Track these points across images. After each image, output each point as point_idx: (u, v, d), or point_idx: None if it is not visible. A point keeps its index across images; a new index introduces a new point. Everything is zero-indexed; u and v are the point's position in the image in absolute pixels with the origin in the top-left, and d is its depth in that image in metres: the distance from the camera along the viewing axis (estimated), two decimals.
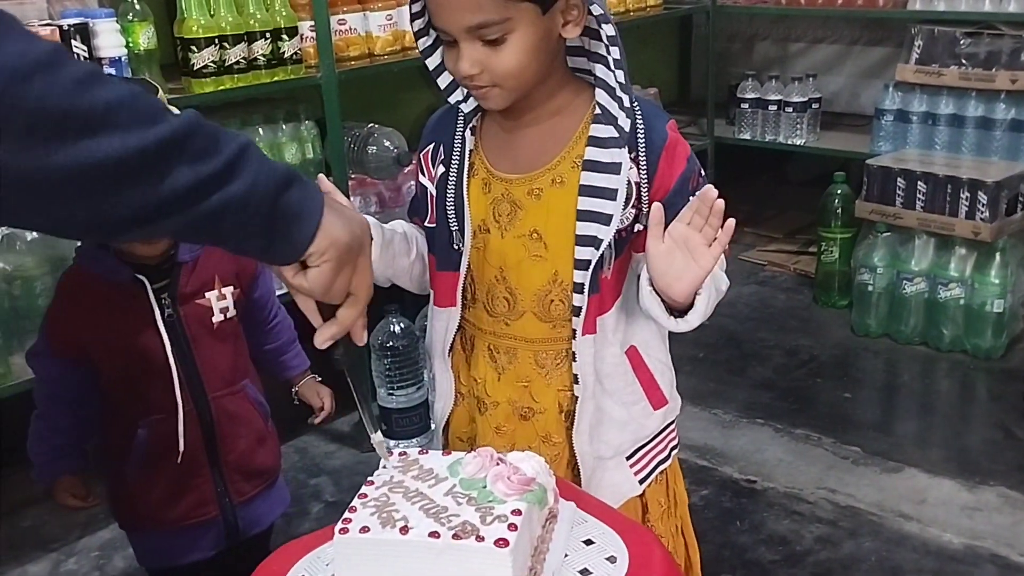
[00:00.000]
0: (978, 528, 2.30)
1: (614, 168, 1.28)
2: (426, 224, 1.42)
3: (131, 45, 2.15)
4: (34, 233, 2.13)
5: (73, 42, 2.03)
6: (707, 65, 3.95)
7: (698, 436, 2.74)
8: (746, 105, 3.84)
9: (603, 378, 1.37)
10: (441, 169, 1.38)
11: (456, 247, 1.37)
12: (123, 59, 2.12)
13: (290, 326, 1.80)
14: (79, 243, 1.57)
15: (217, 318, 1.58)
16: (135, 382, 1.56)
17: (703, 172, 1.37)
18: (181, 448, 1.57)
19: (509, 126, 1.35)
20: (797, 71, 3.89)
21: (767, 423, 2.81)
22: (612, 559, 1.07)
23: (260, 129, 2.51)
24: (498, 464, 1.14)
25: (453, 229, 1.36)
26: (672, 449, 1.50)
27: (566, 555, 1.09)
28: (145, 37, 2.17)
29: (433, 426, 1.59)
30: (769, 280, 3.85)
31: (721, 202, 1.20)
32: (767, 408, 2.89)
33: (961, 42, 3.30)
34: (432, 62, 1.35)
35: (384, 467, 1.17)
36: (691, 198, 1.29)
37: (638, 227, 1.32)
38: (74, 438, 1.62)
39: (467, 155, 1.36)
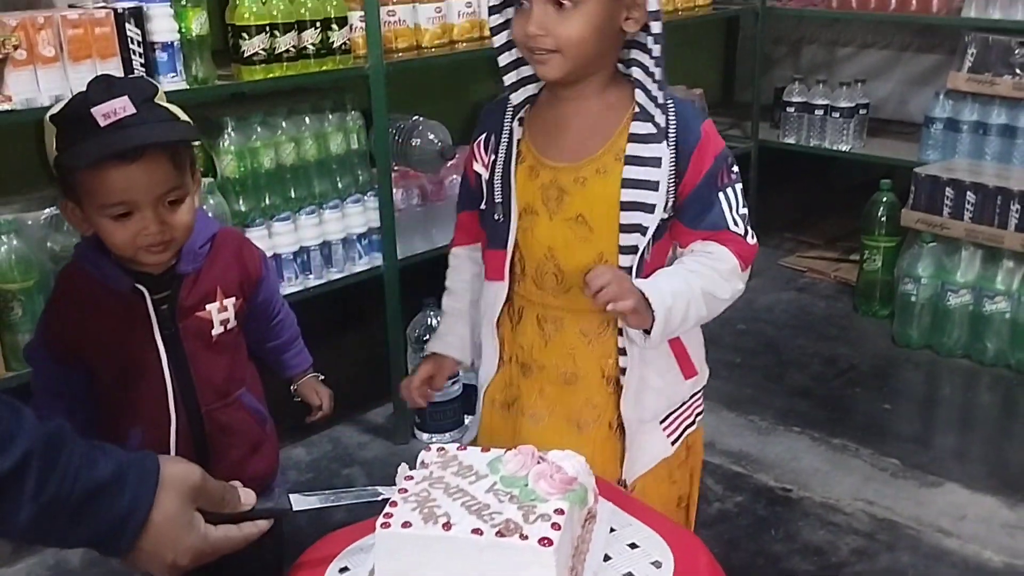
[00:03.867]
0: (1019, 547, 2.26)
1: (655, 162, 1.41)
2: (481, 207, 1.55)
3: (184, 30, 2.15)
4: None
5: (127, 26, 2.04)
6: (753, 67, 3.91)
7: (734, 442, 2.72)
8: (792, 109, 3.79)
9: (643, 349, 1.47)
10: (492, 156, 1.51)
11: (500, 223, 1.50)
12: (176, 44, 2.12)
13: (293, 323, 1.76)
14: (78, 240, 1.52)
15: (217, 331, 1.52)
16: (127, 391, 1.51)
17: (735, 169, 1.49)
18: None
19: (559, 116, 1.47)
20: (845, 76, 3.84)
21: (804, 431, 2.78)
22: (657, 564, 1.06)
23: (307, 118, 2.51)
24: (539, 463, 1.14)
25: (499, 208, 1.50)
26: (698, 415, 1.63)
27: (610, 557, 1.08)
28: (198, 23, 2.17)
29: (467, 422, 1.66)
30: (809, 287, 3.81)
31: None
32: (804, 416, 2.86)
33: (1016, 51, 3.24)
34: (498, 40, 1.47)
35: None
36: (719, 194, 1.45)
37: (665, 215, 1.46)
38: None
39: (515, 143, 1.49)
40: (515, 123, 1.49)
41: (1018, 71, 3.23)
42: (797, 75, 3.86)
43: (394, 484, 1.13)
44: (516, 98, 1.49)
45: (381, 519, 1.06)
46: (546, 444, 1.49)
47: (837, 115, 3.67)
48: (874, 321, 3.46)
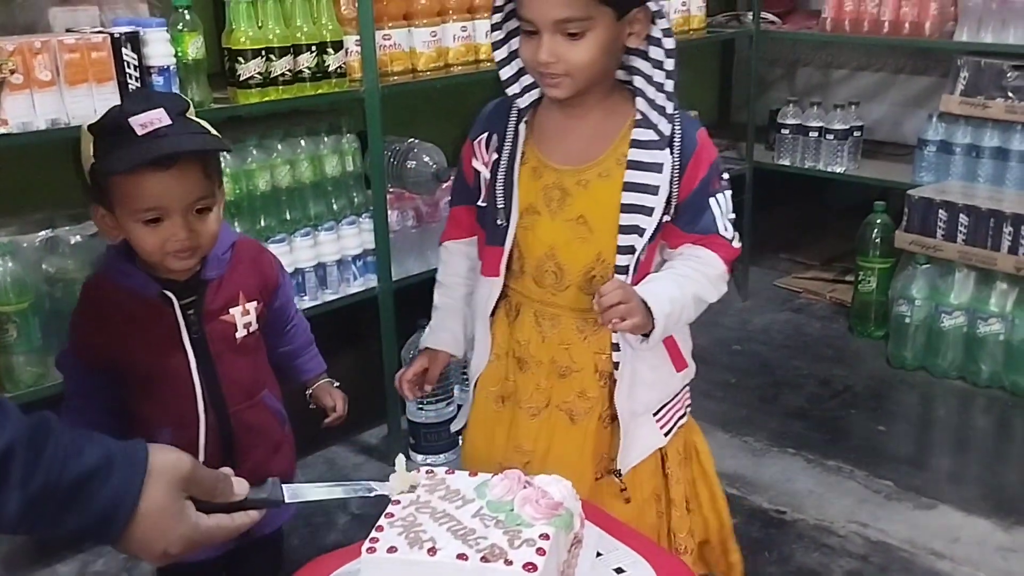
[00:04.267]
0: (1013, 570, 2.26)
1: (656, 167, 1.49)
2: (479, 203, 1.61)
3: (180, 55, 2.17)
4: (77, 237, 2.16)
5: (124, 50, 2.05)
6: (748, 89, 3.93)
7: (728, 464, 2.71)
8: (786, 131, 3.81)
9: (636, 344, 1.54)
10: (494, 156, 1.56)
11: (500, 224, 1.56)
12: (172, 68, 2.14)
13: (306, 329, 1.81)
14: (103, 251, 1.58)
15: (240, 334, 1.57)
16: (157, 393, 1.55)
17: (724, 176, 1.58)
18: (201, 460, 1.56)
19: (563, 121, 1.54)
20: (839, 98, 3.86)
21: (798, 453, 2.78)
22: None
23: (302, 141, 2.53)
24: (525, 487, 1.14)
25: (500, 208, 1.56)
26: (687, 407, 1.73)
27: None
28: (194, 47, 2.19)
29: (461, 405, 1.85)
30: (804, 308, 3.82)
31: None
32: (799, 438, 2.86)
33: (1008, 75, 3.26)
34: (499, 55, 1.55)
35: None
36: (711, 200, 1.54)
37: (665, 218, 1.54)
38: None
39: (520, 145, 1.55)
40: (521, 124, 1.56)
41: (1010, 94, 3.24)
42: (792, 97, 3.88)
43: (387, 480, 1.15)
44: (523, 102, 1.56)
45: (367, 544, 1.06)
46: (541, 436, 1.58)
47: (831, 137, 3.69)
48: (869, 342, 3.47)
